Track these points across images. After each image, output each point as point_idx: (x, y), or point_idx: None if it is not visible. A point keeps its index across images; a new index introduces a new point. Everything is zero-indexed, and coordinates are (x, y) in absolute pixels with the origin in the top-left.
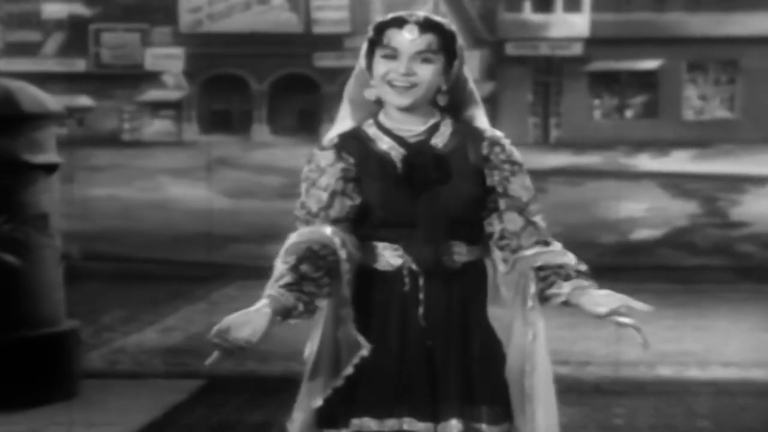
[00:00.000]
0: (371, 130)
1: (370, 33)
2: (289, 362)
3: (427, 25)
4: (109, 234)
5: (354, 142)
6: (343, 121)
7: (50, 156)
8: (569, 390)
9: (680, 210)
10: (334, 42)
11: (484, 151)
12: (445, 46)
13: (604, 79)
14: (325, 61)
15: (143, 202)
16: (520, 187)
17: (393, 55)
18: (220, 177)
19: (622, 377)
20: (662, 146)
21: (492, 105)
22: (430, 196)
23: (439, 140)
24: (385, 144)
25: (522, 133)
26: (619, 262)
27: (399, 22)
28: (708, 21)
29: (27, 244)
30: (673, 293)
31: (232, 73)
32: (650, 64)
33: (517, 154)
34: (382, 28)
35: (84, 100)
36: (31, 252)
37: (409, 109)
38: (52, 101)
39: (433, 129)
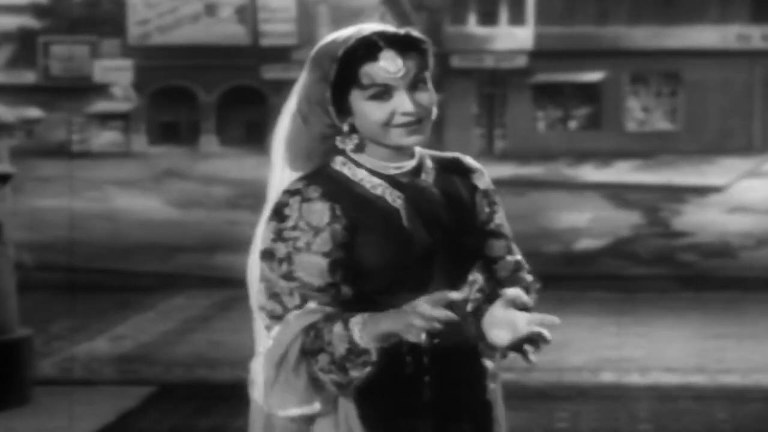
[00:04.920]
0: (347, 168)
1: (333, 68)
2: (237, 369)
3: (402, 45)
4: (58, 244)
5: (337, 188)
6: (282, 172)
7: (3, 166)
8: (514, 395)
9: (623, 220)
10: (281, 54)
11: (481, 185)
12: (426, 62)
13: (548, 91)
14: (272, 73)
15: (92, 213)
16: (504, 219)
17: (384, 93)
18: (169, 188)
19: (566, 383)
20: (605, 157)
21: (437, 117)
22: (447, 250)
23: (429, 176)
24: (373, 186)
25: (467, 144)
26: (563, 272)
27: (370, 51)
28: (650, 34)
29: None
30: (615, 302)
31: (180, 85)
32: (593, 76)
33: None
34: (349, 62)
35: (33, 112)
36: None
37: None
38: (5, 112)
39: (420, 163)
